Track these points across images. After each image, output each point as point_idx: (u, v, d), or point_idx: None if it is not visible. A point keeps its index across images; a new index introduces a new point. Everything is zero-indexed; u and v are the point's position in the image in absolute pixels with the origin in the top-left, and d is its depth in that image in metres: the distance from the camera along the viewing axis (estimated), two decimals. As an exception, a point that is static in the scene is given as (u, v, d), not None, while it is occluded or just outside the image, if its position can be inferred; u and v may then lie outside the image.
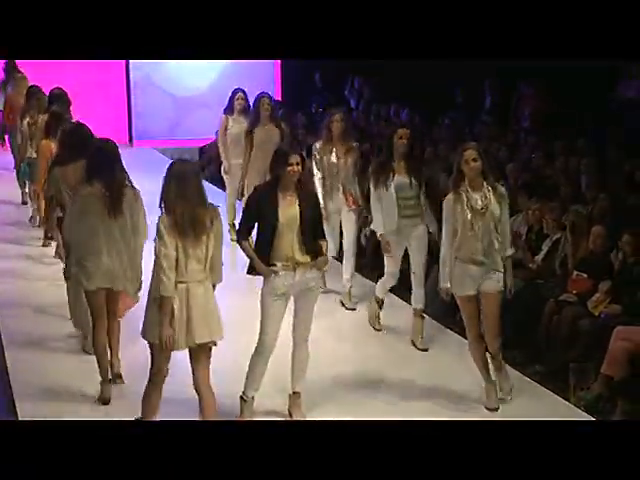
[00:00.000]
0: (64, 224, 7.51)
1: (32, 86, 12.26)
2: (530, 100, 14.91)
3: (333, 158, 9.14)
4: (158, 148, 18.32)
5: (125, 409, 6.86)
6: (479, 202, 6.96)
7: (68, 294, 8.24)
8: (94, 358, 7.32)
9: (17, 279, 10.10)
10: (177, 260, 5.92)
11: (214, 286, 6.19)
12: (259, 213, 6.67)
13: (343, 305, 9.39)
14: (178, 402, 6.81)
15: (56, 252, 9.20)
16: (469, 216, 6.94)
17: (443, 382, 7.56)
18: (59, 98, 10.66)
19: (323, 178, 9.16)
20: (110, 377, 7.28)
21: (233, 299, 9.35)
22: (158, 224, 5.95)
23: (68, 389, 7.42)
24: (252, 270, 6.75)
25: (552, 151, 12.11)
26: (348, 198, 9.15)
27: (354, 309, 9.34)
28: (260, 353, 6.72)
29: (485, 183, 7.01)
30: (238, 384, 6.85)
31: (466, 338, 7.30)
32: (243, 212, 6.82)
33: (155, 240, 5.96)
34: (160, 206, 6.00)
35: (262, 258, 6.65)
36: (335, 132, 9.15)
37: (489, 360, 7.19)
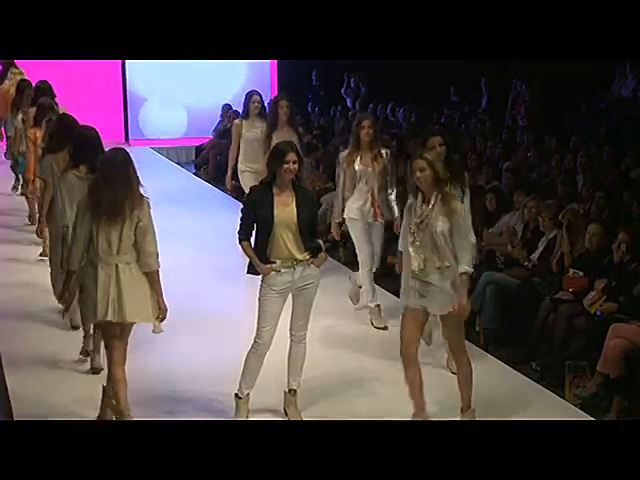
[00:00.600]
0: (54, 210, 8.07)
1: (22, 80, 12.60)
2: (525, 99, 14.95)
3: (361, 166, 8.62)
4: (154, 147, 18.36)
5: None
6: (421, 215, 6.44)
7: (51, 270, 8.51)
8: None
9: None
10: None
11: (156, 273, 6.35)
12: (256, 212, 6.68)
13: (372, 324, 8.86)
14: (180, 402, 6.84)
15: (37, 231, 9.41)
16: (412, 228, 6.50)
17: (441, 381, 7.55)
18: (45, 91, 11.13)
19: (350, 187, 8.67)
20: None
21: (230, 297, 9.40)
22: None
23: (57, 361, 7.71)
24: (251, 269, 6.76)
25: (548, 149, 12.15)
26: (376, 210, 8.65)
27: (385, 328, 8.78)
28: (256, 350, 6.73)
29: (436, 194, 6.42)
30: (234, 382, 6.85)
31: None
32: (241, 212, 6.82)
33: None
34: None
35: (261, 256, 6.66)
36: (364, 139, 8.62)
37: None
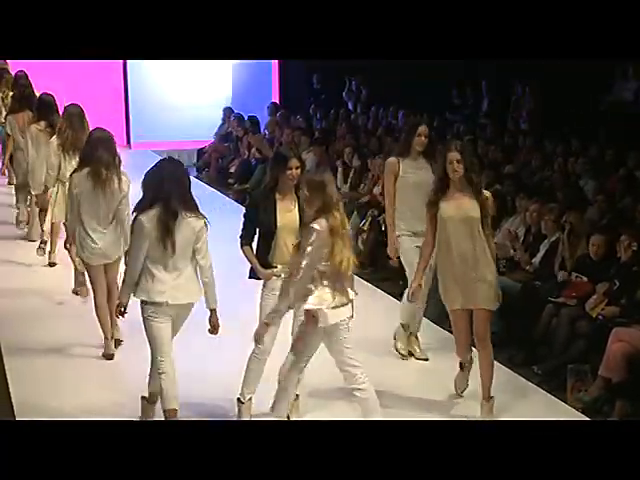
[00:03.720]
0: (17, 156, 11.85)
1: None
2: (527, 101, 14.93)
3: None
4: (156, 150, 18.35)
5: (124, 408, 6.93)
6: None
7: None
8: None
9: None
10: None
11: None
12: (258, 217, 6.68)
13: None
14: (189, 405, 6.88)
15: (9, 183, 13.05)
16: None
17: (444, 383, 7.57)
18: (22, 78, 13.06)
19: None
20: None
21: (232, 302, 9.38)
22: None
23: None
24: (253, 274, 6.77)
25: (550, 152, 12.13)
26: None
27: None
28: (257, 355, 6.73)
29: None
30: (236, 386, 6.85)
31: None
32: (243, 217, 6.81)
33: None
34: None
35: (262, 262, 6.66)
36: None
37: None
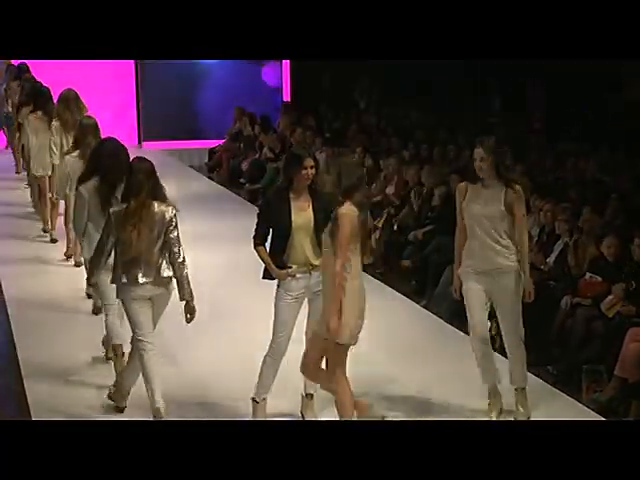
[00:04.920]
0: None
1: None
2: (539, 100, 14.92)
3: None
4: (166, 150, 18.38)
5: (133, 410, 6.96)
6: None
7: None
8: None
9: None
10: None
11: None
12: (273, 217, 6.69)
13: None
14: (187, 403, 6.85)
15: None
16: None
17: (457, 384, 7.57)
18: (24, 71, 14.43)
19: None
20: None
21: (245, 301, 9.41)
22: None
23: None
24: (267, 274, 6.77)
25: (563, 152, 12.12)
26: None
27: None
28: (272, 355, 6.74)
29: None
30: (250, 386, 6.87)
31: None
32: (257, 217, 6.81)
33: None
34: None
35: (277, 262, 6.67)
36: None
37: None
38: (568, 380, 7.77)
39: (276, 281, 6.76)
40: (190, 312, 6.75)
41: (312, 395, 6.94)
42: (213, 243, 11.72)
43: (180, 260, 6.68)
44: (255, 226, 6.80)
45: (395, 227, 11.14)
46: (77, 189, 7.52)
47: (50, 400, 7.26)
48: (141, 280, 6.63)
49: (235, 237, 10.66)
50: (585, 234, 8.68)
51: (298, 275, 6.63)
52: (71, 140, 9.53)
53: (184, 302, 6.75)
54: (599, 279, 8.21)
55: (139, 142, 18.48)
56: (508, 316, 7.01)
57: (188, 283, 6.70)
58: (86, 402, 7.25)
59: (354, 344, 6.26)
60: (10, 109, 14.96)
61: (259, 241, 6.77)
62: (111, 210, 6.72)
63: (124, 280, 6.65)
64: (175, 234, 6.69)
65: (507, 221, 6.82)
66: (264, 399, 6.85)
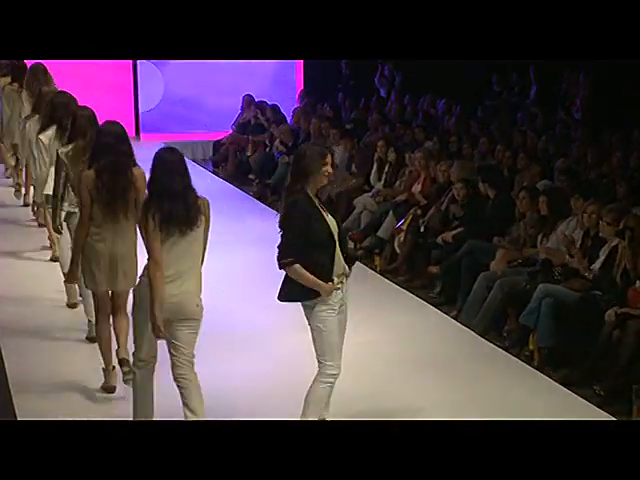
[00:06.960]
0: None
1: None
2: (581, 88, 14.82)
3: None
4: (166, 142, 18.35)
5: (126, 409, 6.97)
6: None
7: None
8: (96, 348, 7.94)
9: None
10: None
11: None
12: (311, 228, 6.37)
13: None
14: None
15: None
16: None
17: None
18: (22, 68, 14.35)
19: None
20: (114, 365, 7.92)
21: (256, 307, 9.34)
22: None
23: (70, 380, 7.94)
24: (295, 296, 6.47)
25: (608, 146, 12.02)
26: None
27: None
28: (332, 383, 6.50)
29: None
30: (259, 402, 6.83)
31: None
32: (285, 229, 6.42)
33: None
34: None
35: (323, 278, 6.39)
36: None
37: None
38: (616, 401, 7.70)
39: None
40: None
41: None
42: (221, 246, 11.63)
43: None
44: (284, 240, 6.43)
45: (422, 229, 11.03)
46: (37, 139, 9.38)
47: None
48: None
49: (245, 241, 10.58)
50: (634, 238, 8.57)
51: (339, 286, 6.48)
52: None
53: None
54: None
55: (137, 134, 18.46)
56: None
57: None
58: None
59: None
60: None
61: (296, 259, 6.36)
62: (59, 151, 8.14)
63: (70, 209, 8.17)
64: None
65: None
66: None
